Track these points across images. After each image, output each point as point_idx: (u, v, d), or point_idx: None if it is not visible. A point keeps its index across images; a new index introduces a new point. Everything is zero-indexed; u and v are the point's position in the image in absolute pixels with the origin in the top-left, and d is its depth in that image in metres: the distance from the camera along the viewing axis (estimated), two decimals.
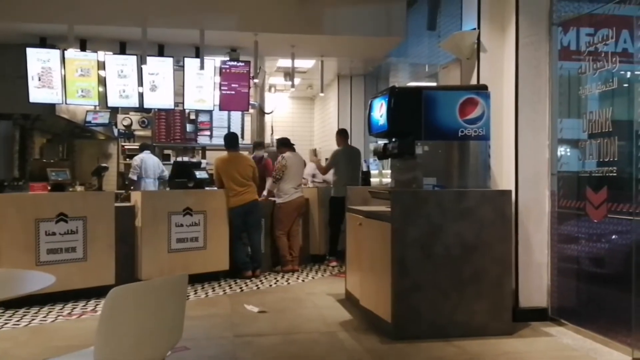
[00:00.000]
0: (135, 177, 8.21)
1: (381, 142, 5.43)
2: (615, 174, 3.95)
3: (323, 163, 8.84)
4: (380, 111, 4.60)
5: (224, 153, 7.00)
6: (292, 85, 9.22)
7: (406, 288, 4.17)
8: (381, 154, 4.90)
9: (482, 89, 4.57)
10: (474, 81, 4.90)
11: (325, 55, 8.86)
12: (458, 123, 4.39)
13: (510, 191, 4.46)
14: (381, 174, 10.19)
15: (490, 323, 4.25)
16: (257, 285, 6.32)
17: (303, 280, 6.63)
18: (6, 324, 4.63)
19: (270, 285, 6.34)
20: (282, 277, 6.82)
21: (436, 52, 6.92)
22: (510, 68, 4.76)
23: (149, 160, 8.43)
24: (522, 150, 4.65)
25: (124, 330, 2.13)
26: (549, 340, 4.21)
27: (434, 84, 6.95)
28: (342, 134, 7.97)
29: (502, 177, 4.75)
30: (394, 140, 4.64)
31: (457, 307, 4.24)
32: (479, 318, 4.24)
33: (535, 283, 4.67)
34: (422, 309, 4.20)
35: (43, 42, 7.47)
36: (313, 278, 6.80)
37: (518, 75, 4.69)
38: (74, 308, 5.16)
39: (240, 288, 6.17)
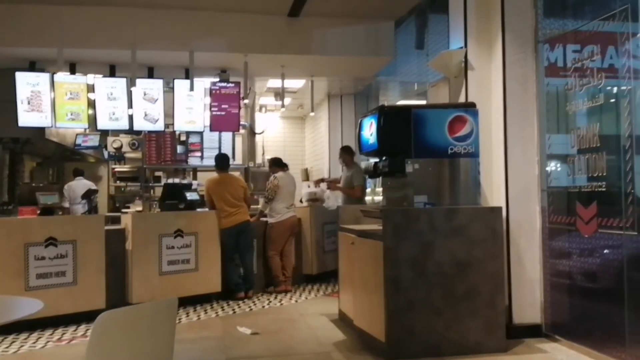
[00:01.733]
0: (67, 205, 8.19)
1: (372, 160, 5.43)
2: (604, 189, 3.97)
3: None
4: (370, 130, 4.62)
5: (215, 174, 6.99)
6: (283, 105, 9.26)
7: (399, 307, 4.15)
8: (372, 173, 4.90)
9: (470, 107, 4.61)
10: (462, 99, 4.94)
11: (315, 75, 8.93)
12: (447, 141, 4.41)
13: (500, 208, 4.47)
14: (374, 192, 10.20)
15: (484, 340, 4.22)
16: (249, 307, 6.26)
17: (296, 301, 6.58)
18: None
19: (263, 307, 6.28)
20: (275, 297, 6.77)
21: (425, 70, 6.98)
22: (497, 85, 4.81)
23: (77, 188, 8.45)
24: (511, 167, 4.67)
25: (113, 355, 2.09)
26: (543, 357, 4.19)
27: (424, 102, 7.00)
28: (350, 152, 7.93)
29: (493, 194, 4.76)
30: (384, 158, 4.65)
31: (451, 325, 4.22)
32: (472, 336, 4.21)
33: (528, 299, 4.66)
34: (415, 327, 4.17)
35: (32, 66, 7.50)
36: (306, 298, 6.75)
37: (506, 93, 4.74)
38: (64, 333, 5.09)
39: (233, 310, 6.11)
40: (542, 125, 4.72)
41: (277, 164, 7.58)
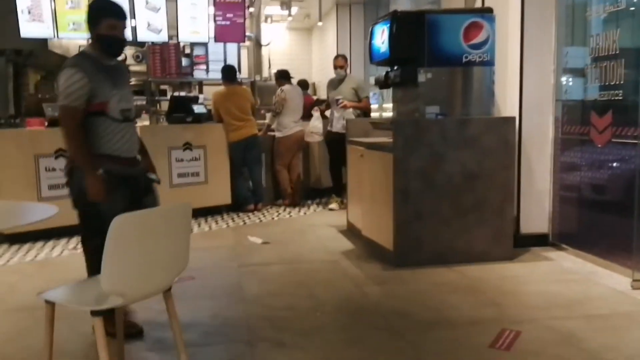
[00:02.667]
0: None
1: (383, 72, 5.30)
2: (620, 98, 3.88)
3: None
4: (381, 38, 4.47)
5: (222, 87, 6.87)
6: (290, 14, 8.95)
7: (408, 217, 4.19)
8: (383, 83, 4.80)
9: (487, 12, 4.43)
10: (478, 4, 4.75)
11: None
12: (462, 48, 4.28)
13: (514, 118, 4.40)
14: (381, 108, 10.09)
15: (491, 249, 4.30)
16: (259, 219, 6.37)
17: (304, 213, 6.68)
18: (12, 258, 4.69)
19: (272, 219, 6.39)
20: (284, 210, 6.86)
21: None
22: None
23: None
24: (527, 76, 4.55)
25: (129, 258, 2.13)
26: (549, 264, 4.28)
27: (435, 8, 6.73)
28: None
29: (506, 104, 4.67)
30: (395, 68, 4.53)
31: (459, 235, 4.28)
32: (480, 245, 4.29)
33: (537, 210, 4.69)
34: (423, 237, 4.24)
35: None
36: (314, 211, 6.85)
37: None
38: (78, 242, 5.20)
39: (243, 221, 6.22)
40: (560, 34, 4.55)
41: (284, 77, 7.42)
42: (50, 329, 2.26)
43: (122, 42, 3.00)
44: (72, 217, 4.87)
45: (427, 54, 4.26)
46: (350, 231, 5.46)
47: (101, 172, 2.84)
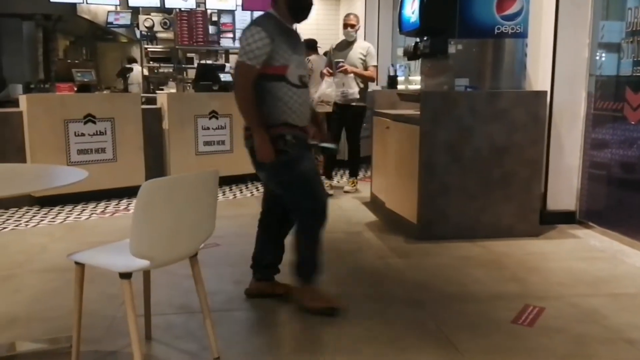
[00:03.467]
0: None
1: (411, 43, 5.22)
2: None
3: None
4: (412, 7, 4.38)
5: None
6: None
7: (433, 190, 4.16)
8: (411, 54, 4.72)
9: None
10: None
11: None
12: (495, 19, 4.17)
13: (545, 92, 4.30)
14: (407, 81, 9.95)
15: (517, 225, 4.26)
16: None
17: (327, 185, 6.67)
18: (42, 220, 4.80)
19: None
20: None
21: None
22: None
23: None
24: (560, 49, 4.43)
25: (157, 222, 2.16)
26: (575, 242, 4.22)
27: None
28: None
29: (538, 78, 4.56)
30: (425, 38, 4.45)
31: (484, 209, 4.24)
32: (506, 220, 4.25)
33: (565, 186, 4.62)
34: (448, 210, 4.21)
35: None
36: (338, 182, 6.84)
37: None
38: (107, 207, 5.31)
39: None
40: (597, 7, 4.40)
41: (310, 47, 7.34)
42: (80, 290, 2.32)
43: (310, 7, 2.95)
44: (99, 183, 4.98)
45: (458, 25, 4.17)
46: (374, 203, 5.45)
47: (290, 137, 2.84)
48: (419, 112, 4.17)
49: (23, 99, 5.21)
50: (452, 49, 4.25)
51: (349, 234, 4.52)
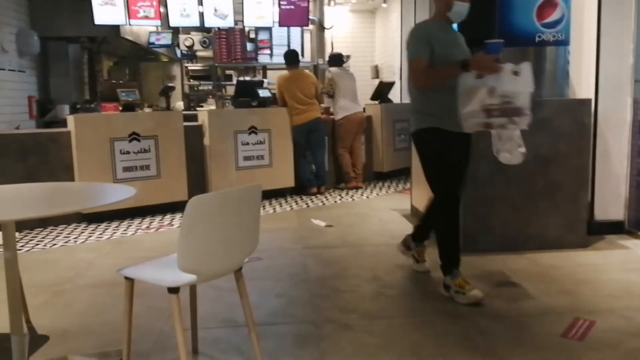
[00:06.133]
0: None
1: None
2: None
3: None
4: None
5: (286, 72, 6.93)
6: None
7: (476, 201, 4.10)
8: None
9: None
10: None
11: None
12: (535, 27, 4.11)
13: (589, 100, 4.21)
14: None
15: (564, 236, 4.15)
16: (322, 202, 6.41)
17: (367, 197, 6.67)
18: (90, 237, 4.94)
19: (335, 202, 6.41)
20: (347, 193, 6.88)
21: None
22: None
23: None
24: (604, 56, 4.33)
25: (204, 237, 2.19)
26: (625, 253, 4.09)
27: None
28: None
29: (582, 85, 4.47)
30: None
31: (530, 220, 4.15)
32: (552, 231, 4.15)
33: (612, 195, 4.49)
34: (493, 222, 4.14)
35: None
36: (377, 195, 6.82)
37: None
38: (151, 222, 5.43)
39: (306, 204, 6.28)
40: None
41: (332, 60, 7.42)
42: (129, 305, 2.37)
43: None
44: (144, 199, 5.10)
45: (498, 34, 4.12)
46: (415, 216, 5.41)
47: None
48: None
49: (71, 119, 5.39)
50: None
51: (390, 246, 4.48)
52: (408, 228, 5.02)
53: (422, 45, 3.14)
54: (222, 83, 9.87)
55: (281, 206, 6.18)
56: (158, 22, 7.78)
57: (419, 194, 5.26)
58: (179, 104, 9.26)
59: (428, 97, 3.22)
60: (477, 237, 4.13)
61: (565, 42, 4.17)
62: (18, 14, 7.55)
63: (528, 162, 4.04)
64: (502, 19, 4.10)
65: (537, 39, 4.12)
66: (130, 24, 7.65)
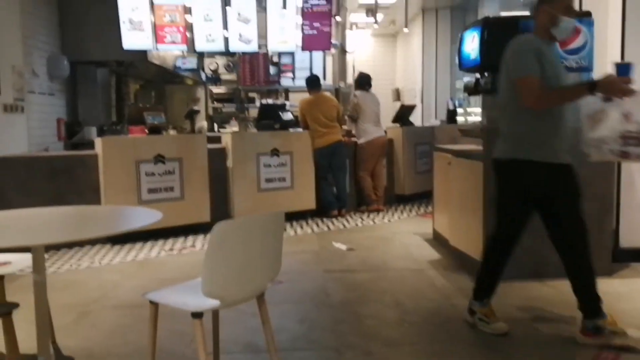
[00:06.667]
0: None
1: (470, 77, 5.21)
2: None
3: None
4: (472, 44, 4.39)
5: (308, 95, 7.01)
6: (375, 22, 8.98)
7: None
8: (472, 90, 4.71)
9: (584, 16, 4.23)
10: (575, 8, 4.54)
11: None
12: (558, 54, 4.11)
13: None
14: (466, 112, 9.89)
15: None
16: (343, 224, 6.42)
17: (389, 220, 6.66)
18: (114, 258, 5.02)
19: (357, 225, 6.42)
20: (368, 216, 6.88)
21: None
22: None
23: None
24: None
25: (228, 263, 2.23)
26: None
27: (528, 13, 6.50)
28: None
29: None
30: (486, 75, 4.44)
31: (553, 248, 4.09)
32: None
33: (638, 222, 4.42)
34: (515, 249, 4.10)
35: None
36: (399, 218, 6.81)
37: (625, 0, 4.30)
38: (174, 244, 5.49)
39: (327, 227, 6.30)
40: None
41: (359, 81, 7.44)
42: (154, 328, 2.41)
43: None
44: (168, 220, 5.14)
45: None
46: (437, 240, 5.39)
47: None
48: (481, 148, 4.13)
49: (99, 142, 5.52)
50: None
51: (412, 271, 4.48)
52: (430, 253, 5.02)
53: (532, 61, 2.86)
54: (246, 105, 10.02)
55: (302, 229, 6.20)
56: (184, 47, 7.96)
57: (441, 218, 5.25)
58: (203, 123, 9.41)
59: (529, 121, 2.94)
60: None
61: (588, 69, 4.16)
62: (49, 39, 7.79)
63: None
64: None
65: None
66: (157, 49, 7.83)
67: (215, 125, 9.63)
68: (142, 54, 8.05)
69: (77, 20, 7.97)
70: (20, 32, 6.99)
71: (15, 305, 2.54)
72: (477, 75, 4.67)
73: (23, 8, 7.10)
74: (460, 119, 9.15)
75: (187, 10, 7.71)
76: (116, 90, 9.10)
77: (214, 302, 2.24)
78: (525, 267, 4.09)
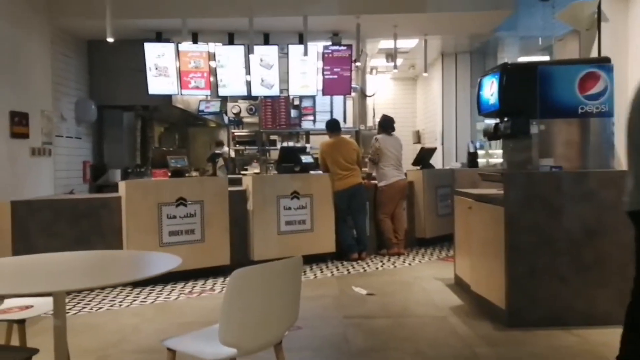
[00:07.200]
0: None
1: (489, 121, 5.22)
2: None
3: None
4: (490, 89, 4.43)
5: (328, 138, 7.07)
6: (395, 67, 9.10)
7: (521, 274, 4.01)
8: (492, 135, 4.72)
9: (604, 62, 4.25)
10: (594, 54, 4.58)
11: (428, 33, 8.66)
12: (577, 99, 4.12)
13: None
14: (488, 154, 9.86)
15: (614, 311, 3.95)
16: (363, 268, 6.37)
17: (410, 264, 6.59)
18: (134, 300, 5.03)
19: (377, 268, 6.36)
20: (388, 260, 6.82)
21: (549, 24, 6.52)
22: (635, 38, 4.40)
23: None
24: None
25: (246, 311, 2.23)
26: None
27: (547, 58, 6.57)
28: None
29: None
30: (506, 119, 4.45)
31: (578, 294, 4.02)
32: (601, 306, 3.99)
33: None
34: (538, 295, 4.02)
35: (159, 37, 7.95)
36: (420, 262, 6.73)
37: None
38: (194, 287, 5.49)
39: (347, 270, 6.25)
40: None
41: (382, 124, 7.45)
42: None
43: None
44: (188, 263, 5.16)
45: (539, 106, 4.15)
46: (459, 285, 5.30)
47: None
48: (502, 192, 4.11)
49: (122, 185, 5.61)
50: (534, 129, 4.21)
51: (434, 318, 4.40)
52: (452, 298, 4.94)
53: None
54: (267, 148, 10.14)
55: (322, 272, 6.16)
56: (208, 92, 8.16)
57: (463, 263, 5.18)
58: (225, 149, 9.59)
59: None
60: (523, 311, 4.01)
61: (609, 114, 4.16)
62: (78, 84, 8.06)
63: (574, 233, 4.00)
64: (544, 90, 4.13)
65: (579, 110, 4.12)
66: (182, 94, 8.04)
67: (236, 168, 9.75)
68: (167, 98, 8.27)
69: (105, 67, 8.26)
70: (51, 79, 7.26)
71: (35, 351, 2.55)
72: (497, 119, 4.69)
73: (54, 55, 7.38)
74: (481, 160, 9.12)
75: (211, 57, 7.92)
76: (141, 133, 9.31)
77: (230, 351, 2.22)
78: (549, 314, 4.00)
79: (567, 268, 4.01)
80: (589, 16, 4.65)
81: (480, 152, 9.46)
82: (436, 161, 9.19)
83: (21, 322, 2.84)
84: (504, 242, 4.03)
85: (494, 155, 9.72)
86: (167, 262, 2.60)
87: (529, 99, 4.17)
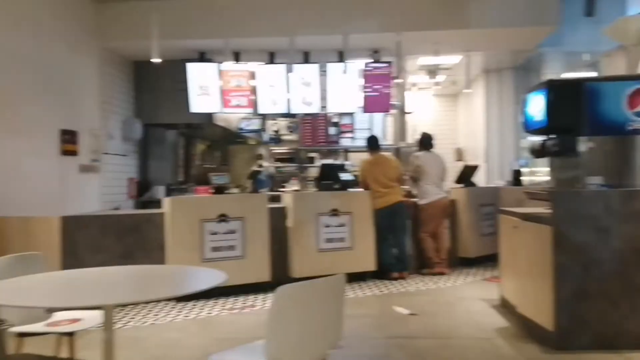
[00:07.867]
0: None
1: (534, 138, 5.11)
2: None
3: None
4: (536, 106, 4.34)
5: (368, 155, 7.05)
6: (437, 84, 9.04)
7: (570, 295, 3.89)
8: (538, 152, 4.61)
9: None
10: None
11: (470, 50, 8.58)
12: (626, 116, 4.00)
13: None
14: (532, 172, 9.65)
15: None
16: (404, 287, 6.28)
17: (452, 284, 6.47)
18: (178, 315, 5.09)
19: (418, 288, 6.26)
20: (430, 279, 6.71)
21: (595, 39, 6.39)
22: None
23: None
24: None
25: (291, 326, 2.23)
26: None
27: (593, 74, 6.42)
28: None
29: None
30: (553, 136, 4.35)
31: (629, 317, 3.86)
32: None
33: None
34: (588, 317, 3.89)
35: (201, 57, 8.14)
36: (463, 282, 6.60)
37: None
38: (235, 303, 5.52)
39: (388, 289, 6.18)
40: None
41: (422, 142, 7.39)
42: None
43: None
44: (229, 279, 5.20)
45: (587, 123, 4.05)
46: (504, 306, 5.17)
47: None
48: (548, 211, 4.01)
49: (166, 202, 5.73)
50: (582, 147, 4.11)
51: (479, 339, 4.29)
52: (497, 320, 4.82)
53: None
54: (306, 165, 10.20)
55: (362, 291, 6.11)
56: (249, 110, 8.28)
57: (508, 284, 5.05)
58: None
59: None
60: (571, 334, 3.88)
61: None
62: (125, 104, 8.31)
63: (625, 254, 3.86)
64: (591, 107, 4.03)
65: (628, 127, 4.00)
66: (223, 112, 8.18)
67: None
68: (209, 116, 8.43)
69: (150, 86, 8.50)
70: (99, 98, 7.51)
71: None
72: (543, 136, 4.59)
73: (102, 76, 7.64)
74: (525, 178, 8.93)
75: (252, 75, 8.05)
76: (184, 151, 9.51)
77: None
78: (599, 336, 3.86)
79: (617, 289, 3.87)
80: (636, 31, 4.53)
81: (524, 170, 9.27)
82: (479, 179, 9.04)
83: (70, 335, 2.91)
84: (551, 263, 3.92)
85: (537, 173, 9.51)
86: (213, 277, 2.63)
87: (576, 116, 4.08)
